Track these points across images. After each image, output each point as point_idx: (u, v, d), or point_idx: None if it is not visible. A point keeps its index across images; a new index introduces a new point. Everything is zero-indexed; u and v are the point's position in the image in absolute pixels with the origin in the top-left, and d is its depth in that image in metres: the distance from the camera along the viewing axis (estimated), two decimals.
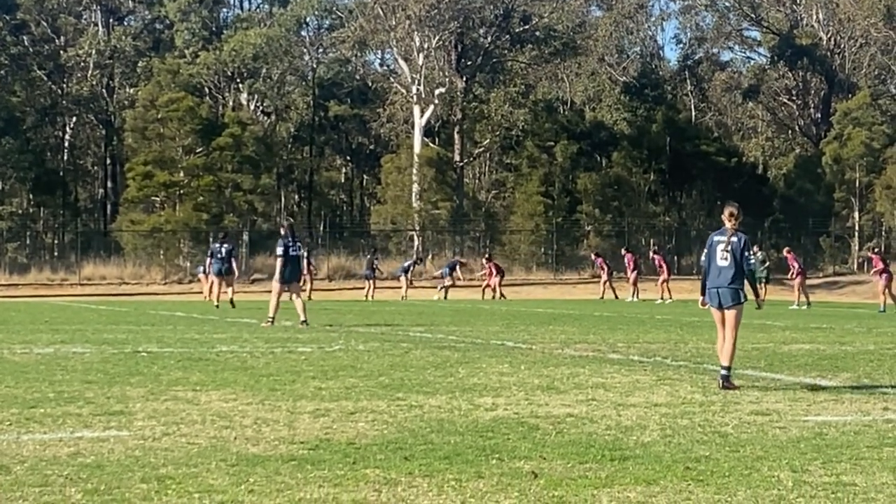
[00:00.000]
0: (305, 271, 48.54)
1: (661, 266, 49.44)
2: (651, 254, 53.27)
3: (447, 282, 51.96)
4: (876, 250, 44.21)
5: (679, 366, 16.50)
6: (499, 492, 7.61)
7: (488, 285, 51.11)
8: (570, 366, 16.33)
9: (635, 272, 50.11)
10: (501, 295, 50.62)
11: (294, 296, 25.85)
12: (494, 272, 51.21)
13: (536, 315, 33.54)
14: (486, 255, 55.93)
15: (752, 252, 14.03)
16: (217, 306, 35.99)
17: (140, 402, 11.90)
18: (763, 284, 48.60)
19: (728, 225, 14.12)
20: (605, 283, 51.43)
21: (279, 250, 25.78)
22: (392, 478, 8.02)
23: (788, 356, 18.35)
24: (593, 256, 55.09)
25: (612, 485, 7.85)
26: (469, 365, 16.31)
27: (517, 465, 8.50)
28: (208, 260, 39.89)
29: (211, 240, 66.00)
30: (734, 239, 13.96)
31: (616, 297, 49.99)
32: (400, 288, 51.14)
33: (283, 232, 26.38)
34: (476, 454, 8.94)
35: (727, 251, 13.93)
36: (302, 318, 25.54)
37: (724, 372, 13.70)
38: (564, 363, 16.78)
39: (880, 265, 41.10)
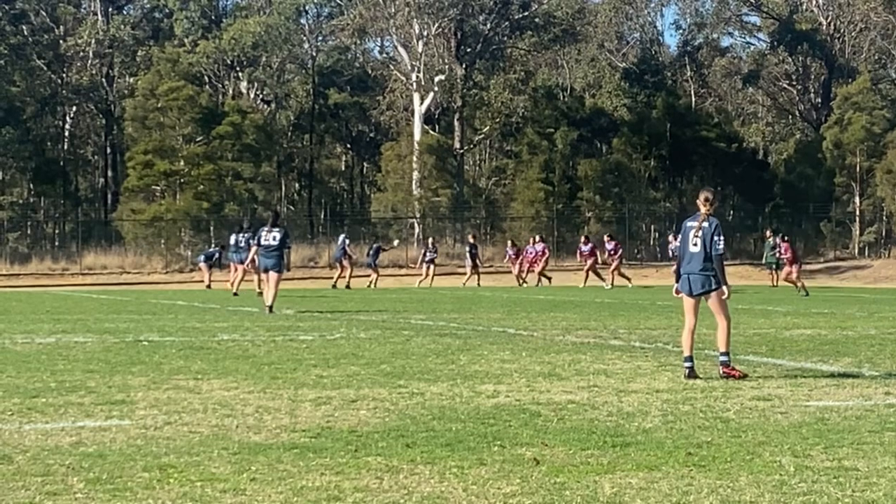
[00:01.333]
0: (344, 259, 47.95)
1: (614, 252, 48.48)
2: (606, 238, 51.00)
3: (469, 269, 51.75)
4: (786, 238, 43.39)
5: (680, 352, 16.48)
6: (501, 478, 7.61)
7: (532, 270, 50.86)
8: (571, 352, 16.33)
9: (592, 260, 48.60)
10: (524, 281, 50.67)
11: (267, 282, 26.80)
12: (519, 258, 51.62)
13: (537, 302, 33.54)
14: (516, 242, 55.59)
15: (721, 237, 13.70)
16: (250, 293, 36.08)
17: (142, 392, 11.90)
18: (773, 270, 48.43)
19: (703, 210, 13.68)
20: (613, 270, 48.14)
21: (254, 239, 27.73)
22: (394, 465, 8.03)
23: (790, 341, 18.35)
24: (606, 239, 50.71)
25: (613, 471, 7.85)
26: (470, 352, 16.31)
27: (519, 452, 8.51)
28: (231, 250, 41.02)
29: (212, 229, 66.39)
30: (705, 224, 13.55)
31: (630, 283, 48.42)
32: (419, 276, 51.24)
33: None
34: (478, 441, 8.95)
35: (698, 236, 13.57)
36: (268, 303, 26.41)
37: (722, 358, 13.50)
38: (566, 350, 16.78)
39: (789, 253, 40.67)
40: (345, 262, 47.61)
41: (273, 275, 26.33)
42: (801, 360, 15.35)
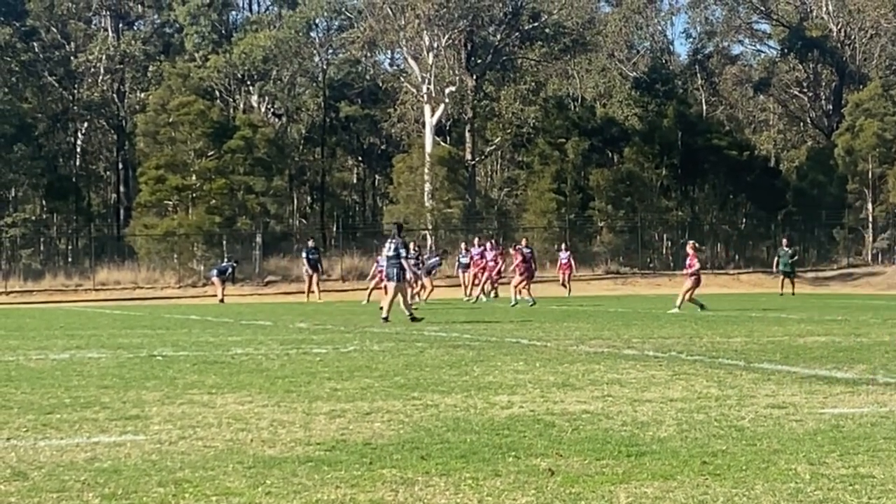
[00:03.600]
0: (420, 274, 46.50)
1: (494, 262, 46.97)
2: (489, 243, 48.15)
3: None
4: (525, 244, 42.52)
5: (694, 360, 16.46)
6: (516, 489, 7.60)
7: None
8: (585, 362, 16.30)
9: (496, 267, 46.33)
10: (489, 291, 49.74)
11: (388, 291, 28.61)
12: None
13: (551, 312, 33.51)
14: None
15: None
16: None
17: (156, 406, 11.90)
18: (790, 279, 48.32)
19: None
20: (490, 281, 45.84)
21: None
22: (409, 477, 8.02)
23: (804, 348, 18.30)
24: (489, 245, 47.72)
25: (628, 480, 7.83)
26: (484, 363, 16.30)
27: (534, 463, 8.49)
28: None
29: (224, 243, 66.49)
30: None
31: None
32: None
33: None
34: (492, 452, 8.93)
35: None
36: (384, 315, 27.79)
37: None
38: (579, 360, 16.76)
39: (519, 258, 40.14)
40: (424, 280, 46.24)
41: (389, 284, 28.18)
42: (815, 367, 15.30)
